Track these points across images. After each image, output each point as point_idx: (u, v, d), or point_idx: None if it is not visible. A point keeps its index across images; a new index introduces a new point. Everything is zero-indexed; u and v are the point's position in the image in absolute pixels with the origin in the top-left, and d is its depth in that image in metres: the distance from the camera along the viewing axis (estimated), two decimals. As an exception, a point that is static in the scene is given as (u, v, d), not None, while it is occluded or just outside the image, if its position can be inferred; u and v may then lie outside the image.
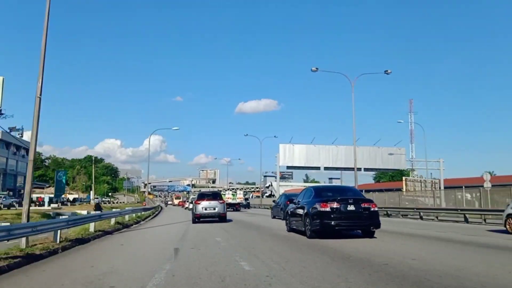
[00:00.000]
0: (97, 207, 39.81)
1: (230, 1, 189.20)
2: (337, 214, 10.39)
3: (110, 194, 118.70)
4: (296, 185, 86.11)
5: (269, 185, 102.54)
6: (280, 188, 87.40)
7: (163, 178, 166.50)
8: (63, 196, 62.41)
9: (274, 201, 27.58)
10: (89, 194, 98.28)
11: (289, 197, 20.90)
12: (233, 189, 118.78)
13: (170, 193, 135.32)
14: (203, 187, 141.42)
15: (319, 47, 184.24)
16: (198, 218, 18.52)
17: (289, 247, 9.16)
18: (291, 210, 13.24)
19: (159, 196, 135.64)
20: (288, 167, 53.05)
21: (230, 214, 23.92)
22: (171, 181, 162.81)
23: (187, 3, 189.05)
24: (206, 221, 18.49)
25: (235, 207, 37.58)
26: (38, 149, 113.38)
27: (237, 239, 11.24)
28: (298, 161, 50.07)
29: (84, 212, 19.57)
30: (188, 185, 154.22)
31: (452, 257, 7.40)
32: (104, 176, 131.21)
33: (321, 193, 11.59)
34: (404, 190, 33.55)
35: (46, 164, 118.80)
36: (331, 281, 5.13)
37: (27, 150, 54.64)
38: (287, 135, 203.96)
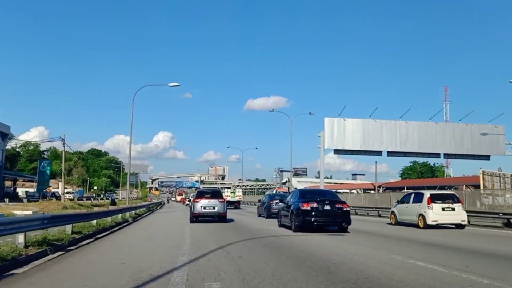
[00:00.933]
0: (113, 202, 42.29)
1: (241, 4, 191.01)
2: (315, 212, 12.82)
3: (111, 189, 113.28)
4: (315, 181, 78.46)
5: (286, 181, 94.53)
6: (299, 184, 79.93)
7: (171, 174, 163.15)
8: (46, 190, 53.87)
9: (259, 200, 27.77)
10: (81, 189, 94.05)
11: (272, 197, 23.19)
12: (235, 186, 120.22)
13: (177, 189, 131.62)
14: (212, 183, 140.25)
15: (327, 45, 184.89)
16: (196, 218, 17.46)
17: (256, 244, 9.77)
18: (281, 208, 15.71)
19: (167, 193, 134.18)
20: (336, 151, 36.15)
21: (238, 215, 24.47)
22: (179, 177, 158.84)
23: (198, 4, 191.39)
24: (204, 221, 17.63)
25: (234, 205, 39.35)
26: (49, 145, 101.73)
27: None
28: (352, 143, 34.82)
29: (20, 213, 17.27)
30: (197, 181, 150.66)
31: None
32: (105, 170, 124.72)
33: (305, 195, 14.05)
34: (482, 187, 26.45)
35: (45, 156, 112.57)
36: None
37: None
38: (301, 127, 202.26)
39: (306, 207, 12.98)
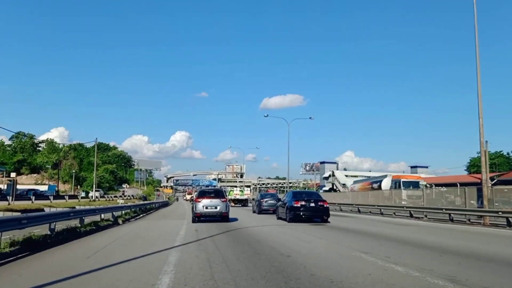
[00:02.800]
0: (144, 199, 47.03)
1: (256, 2, 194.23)
2: (303, 208, 17.32)
3: (111, 185, 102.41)
4: (364, 175, 72.32)
5: (330, 176, 79.98)
6: (348, 179, 70.67)
7: (187, 172, 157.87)
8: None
9: (253, 199, 30.25)
10: (53, 184, 77.97)
11: (263, 197, 27.49)
12: (241, 186, 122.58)
13: (194, 188, 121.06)
14: (230, 181, 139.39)
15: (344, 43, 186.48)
16: (198, 218, 17.19)
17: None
18: (279, 205, 20.27)
19: (182, 191, 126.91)
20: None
21: (237, 212, 25.97)
22: (195, 175, 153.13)
23: (213, 3, 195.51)
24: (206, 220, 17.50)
25: (242, 202, 42.24)
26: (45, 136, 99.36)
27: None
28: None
29: None
30: (214, 179, 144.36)
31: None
32: (108, 165, 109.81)
33: (296, 195, 18.51)
34: None
35: (40, 149, 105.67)
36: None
37: None
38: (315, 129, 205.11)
39: (297, 204, 17.46)
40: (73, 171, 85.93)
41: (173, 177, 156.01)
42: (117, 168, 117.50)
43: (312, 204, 17.44)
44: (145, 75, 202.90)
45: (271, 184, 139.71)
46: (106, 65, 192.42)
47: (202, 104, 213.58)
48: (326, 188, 72.09)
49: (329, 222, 17.44)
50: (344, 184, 71.32)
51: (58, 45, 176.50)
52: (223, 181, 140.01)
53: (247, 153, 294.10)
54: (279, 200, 23.34)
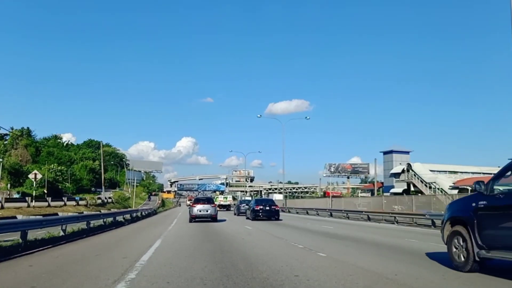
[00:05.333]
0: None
1: (262, 5, 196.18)
2: (261, 210, 24.58)
3: (92, 188, 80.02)
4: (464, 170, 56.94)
5: (404, 171, 54.99)
6: (438, 176, 52.49)
7: (192, 176, 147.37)
8: None
9: (234, 204, 39.50)
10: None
11: (242, 202, 35.02)
12: (267, 189, 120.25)
13: (200, 193, 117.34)
14: (240, 185, 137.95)
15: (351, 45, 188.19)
16: (194, 219, 22.01)
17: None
18: (247, 209, 27.67)
19: (187, 196, 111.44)
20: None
21: (223, 215, 30.23)
22: (201, 179, 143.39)
23: (219, 6, 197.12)
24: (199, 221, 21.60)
25: (226, 207, 49.99)
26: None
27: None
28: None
29: None
30: (222, 183, 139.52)
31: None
32: (88, 161, 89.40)
33: (257, 201, 25.98)
34: None
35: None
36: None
37: None
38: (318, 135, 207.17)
39: (257, 207, 24.83)
40: (18, 165, 59.79)
41: (177, 181, 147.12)
42: (110, 168, 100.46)
43: (267, 208, 24.83)
44: (148, 80, 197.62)
45: (284, 189, 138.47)
46: (111, 72, 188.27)
47: (208, 109, 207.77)
48: (398, 190, 52.73)
49: (280, 219, 24.85)
50: (431, 183, 50.92)
51: (68, 55, 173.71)
52: (231, 186, 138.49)
53: (253, 159, 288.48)
54: None
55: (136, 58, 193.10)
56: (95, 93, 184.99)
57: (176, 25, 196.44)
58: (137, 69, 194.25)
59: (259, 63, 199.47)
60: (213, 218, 22.30)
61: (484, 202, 5.88)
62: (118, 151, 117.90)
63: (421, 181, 52.44)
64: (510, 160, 6.15)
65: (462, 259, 6.15)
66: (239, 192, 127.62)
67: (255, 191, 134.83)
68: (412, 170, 53.87)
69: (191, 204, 24.96)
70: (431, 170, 54.36)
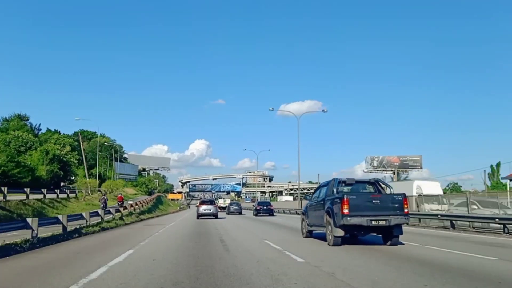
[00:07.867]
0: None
1: (272, 6, 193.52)
2: (261, 209, 35.18)
3: (63, 184, 56.26)
4: None
5: None
6: None
7: (205, 176, 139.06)
8: None
9: (225, 206, 47.66)
10: None
11: (231, 204, 43.89)
12: (242, 193, 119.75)
13: (213, 194, 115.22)
14: (258, 185, 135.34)
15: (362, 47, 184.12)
16: (200, 216, 27.29)
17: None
18: (235, 208, 38.80)
19: (198, 198, 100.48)
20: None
21: (221, 214, 35.34)
22: (215, 178, 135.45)
23: (230, 8, 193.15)
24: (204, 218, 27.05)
25: (225, 208, 57.11)
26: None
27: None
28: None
29: None
30: (238, 183, 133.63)
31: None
32: (49, 144, 60.67)
33: (259, 203, 36.96)
34: None
35: None
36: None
37: None
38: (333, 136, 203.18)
39: (258, 207, 35.47)
40: None
41: (189, 182, 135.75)
42: (101, 162, 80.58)
43: (265, 207, 35.45)
44: (159, 82, 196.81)
45: (301, 189, 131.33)
46: (127, 79, 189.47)
47: (220, 111, 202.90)
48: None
49: (274, 215, 35.07)
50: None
51: (78, 59, 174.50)
52: (247, 186, 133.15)
53: (266, 161, 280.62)
54: (241, 207, 40.43)
55: (150, 64, 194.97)
56: (112, 98, 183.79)
57: (189, 32, 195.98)
58: (151, 75, 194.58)
59: (270, 64, 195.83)
60: (215, 216, 28.67)
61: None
62: (112, 143, 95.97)
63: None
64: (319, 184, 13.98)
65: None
66: (258, 193, 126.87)
67: (273, 191, 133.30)
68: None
69: (197, 205, 30.92)
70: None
